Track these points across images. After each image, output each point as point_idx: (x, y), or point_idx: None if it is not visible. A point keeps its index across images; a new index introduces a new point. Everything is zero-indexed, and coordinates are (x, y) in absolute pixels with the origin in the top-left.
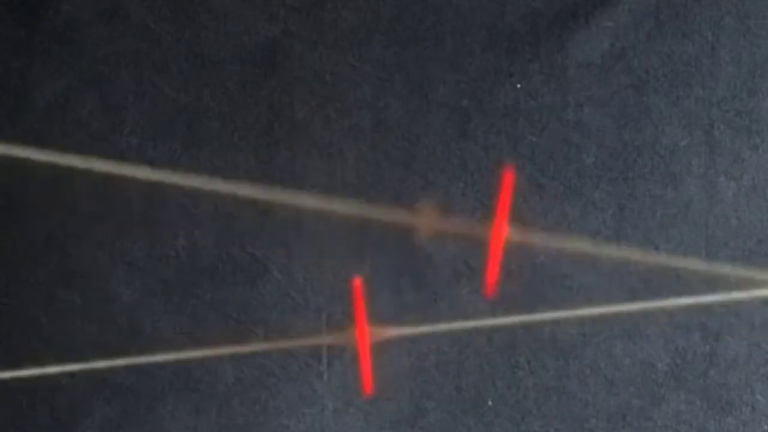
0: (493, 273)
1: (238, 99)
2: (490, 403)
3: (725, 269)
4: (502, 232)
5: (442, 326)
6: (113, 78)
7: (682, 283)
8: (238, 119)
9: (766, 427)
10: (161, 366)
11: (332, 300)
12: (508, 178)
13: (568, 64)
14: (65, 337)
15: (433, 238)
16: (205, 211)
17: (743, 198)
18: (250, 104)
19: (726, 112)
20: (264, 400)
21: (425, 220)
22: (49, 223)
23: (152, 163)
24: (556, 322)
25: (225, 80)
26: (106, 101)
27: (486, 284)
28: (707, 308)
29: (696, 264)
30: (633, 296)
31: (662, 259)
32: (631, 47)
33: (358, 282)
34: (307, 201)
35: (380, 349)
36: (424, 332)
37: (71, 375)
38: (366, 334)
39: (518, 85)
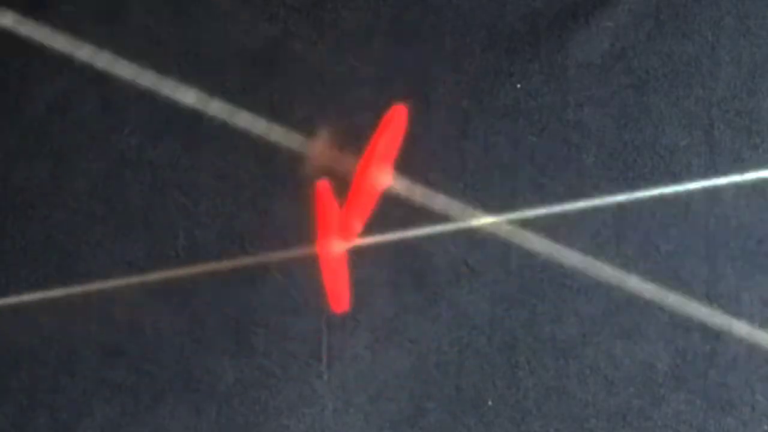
0: (350, 214)
1: (238, 99)
2: (490, 403)
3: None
4: (375, 173)
5: (416, 231)
6: (113, 78)
7: (682, 284)
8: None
9: (766, 427)
10: (161, 366)
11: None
12: (392, 118)
13: (568, 64)
14: (65, 337)
15: (319, 172)
16: (205, 211)
17: (743, 198)
18: (250, 104)
19: (726, 112)
20: (264, 400)
21: (317, 149)
22: (49, 223)
23: (152, 163)
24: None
25: (225, 80)
26: (106, 101)
27: (342, 225)
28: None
29: (696, 264)
30: (633, 296)
31: (662, 259)
32: (631, 47)
33: (324, 185)
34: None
35: (380, 346)
36: (392, 240)
37: (71, 375)
38: (327, 243)
39: (518, 85)
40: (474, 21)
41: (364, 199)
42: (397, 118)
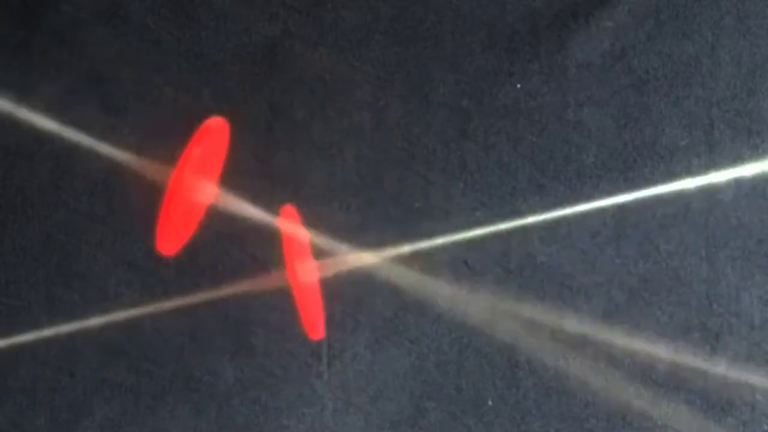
0: (165, 227)
1: (238, 99)
2: (490, 403)
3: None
4: (191, 186)
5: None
6: (113, 78)
7: (682, 284)
8: (238, 119)
9: (766, 427)
10: (161, 366)
11: (332, 300)
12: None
13: (568, 64)
14: (65, 337)
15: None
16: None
17: (743, 198)
18: (250, 104)
19: (726, 112)
20: (264, 400)
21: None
22: (49, 223)
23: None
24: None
25: (225, 80)
26: (106, 101)
27: (159, 240)
28: (707, 308)
29: (696, 264)
30: (633, 296)
31: (662, 259)
32: (631, 47)
33: (289, 209)
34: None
35: (380, 346)
36: (370, 262)
37: (71, 375)
38: (296, 271)
39: (518, 85)
40: (474, 21)
41: (183, 212)
42: (215, 131)
